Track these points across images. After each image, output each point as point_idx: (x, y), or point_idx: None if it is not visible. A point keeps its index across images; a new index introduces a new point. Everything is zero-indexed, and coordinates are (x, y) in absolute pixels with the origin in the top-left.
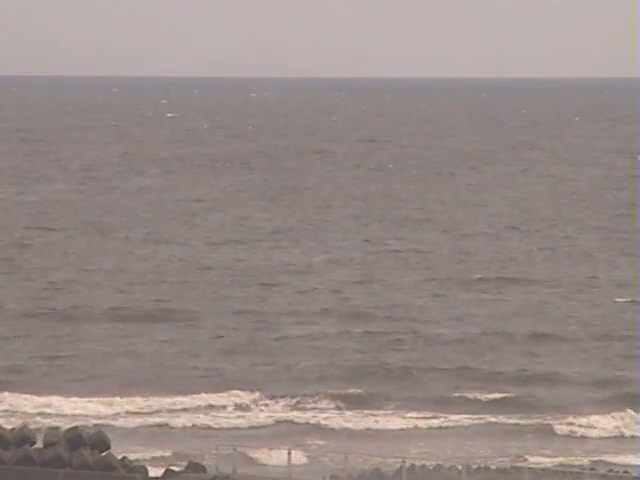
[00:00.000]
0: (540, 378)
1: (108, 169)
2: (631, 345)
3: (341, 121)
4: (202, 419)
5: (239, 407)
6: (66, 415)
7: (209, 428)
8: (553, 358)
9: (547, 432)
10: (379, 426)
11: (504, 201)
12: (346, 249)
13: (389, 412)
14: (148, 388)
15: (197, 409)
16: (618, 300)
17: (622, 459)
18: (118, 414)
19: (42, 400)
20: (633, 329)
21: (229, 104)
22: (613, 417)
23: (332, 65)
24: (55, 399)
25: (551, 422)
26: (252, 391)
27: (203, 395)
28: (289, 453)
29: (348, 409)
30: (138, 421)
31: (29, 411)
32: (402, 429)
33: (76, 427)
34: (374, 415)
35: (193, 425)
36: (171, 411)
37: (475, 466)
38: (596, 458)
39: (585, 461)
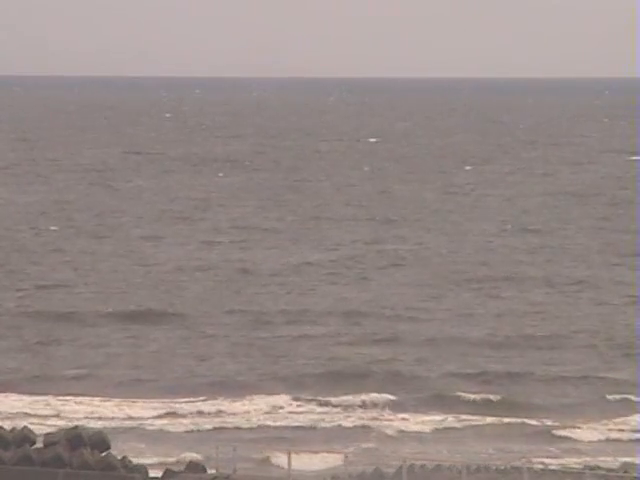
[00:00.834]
0: (540, 379)
1: (106, 169)
2: (630, 345)
3: (341, 121)
4: (205, 421)
5: (241, 408)
6: (67, 417)
7: (214, 430)
8: (554, 359)
9: (546, 433)
10: (379, 426)
11: (504, 201)
12: (344, 249)
13: (389, 412)
14: (151, 389)
15: (199, 411)
16: (619, 300)
17: (621, 460)
18: (122, 416)
19: (42, 401)
20: (632, 330)
21: (229, 104)
22: (613, 419)
23: (332, 65)
24: (57, 400)
25: (550, 424)
26: (254, 393)
27: (205, 396)
28: (289, 454)
29: (349, 409)
30: (145, 422)
31: (38, 413)
32: (403, 429)
33: (76, 427)
34: (374, 414)
35: (197, 429)
36: (172, 414)
37: (475, 466)
38: (595, 459)
39: (585, 462)
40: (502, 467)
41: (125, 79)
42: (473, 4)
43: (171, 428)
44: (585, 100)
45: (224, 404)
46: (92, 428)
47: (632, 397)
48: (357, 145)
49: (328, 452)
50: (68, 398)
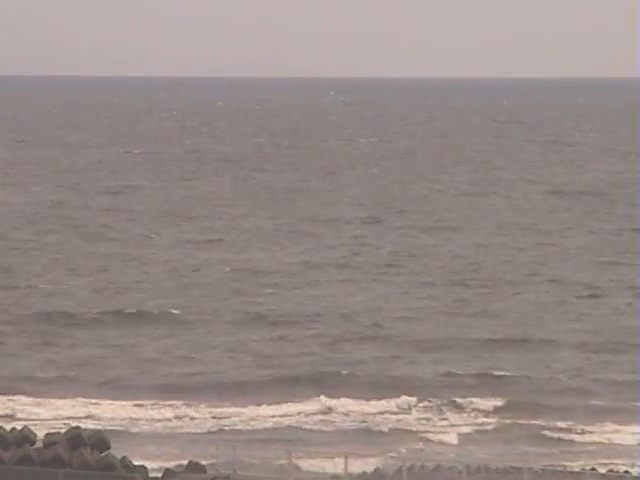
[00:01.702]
0: (540, 381)
1: (105, 169)
2: (632, 348)
3: (340, 121)
4: (205, 421)
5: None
6: (67, 417)
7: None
8: (554, 362)
9: (545, 435)
10: (380, 427)
11: (503, 202)
12: (343, 250)
13: (389, 412)
14: (150, 390)
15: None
16: (619, 302)
17: (620, 461)
18: (121, 416)
19: (42, 401)
20: (633, 333)
21: (229, 104)
22: (613, 423)
23: (332, 65)
24: (57, 401)
25: (552, 424)
26: (254, 393)
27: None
28: (289, 454)
29: (349, 410)
30: (145, 423)
31: (44, 416)
32: (402, 431)
33: (76, 427)
34: (374, 415)
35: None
36: (172, 414)
37: (475, 466)
38: (595, 460)
39: (584, 462)
40: (502, 467)
41: (125, 79)
42: (473, 4)
43: (171, 428)
44: (585, 100)
45: (224, 404)
46: (92, 428)
47: (632, 402)
48: (356, 145)
49: (328, 452)
50: (68, 398)
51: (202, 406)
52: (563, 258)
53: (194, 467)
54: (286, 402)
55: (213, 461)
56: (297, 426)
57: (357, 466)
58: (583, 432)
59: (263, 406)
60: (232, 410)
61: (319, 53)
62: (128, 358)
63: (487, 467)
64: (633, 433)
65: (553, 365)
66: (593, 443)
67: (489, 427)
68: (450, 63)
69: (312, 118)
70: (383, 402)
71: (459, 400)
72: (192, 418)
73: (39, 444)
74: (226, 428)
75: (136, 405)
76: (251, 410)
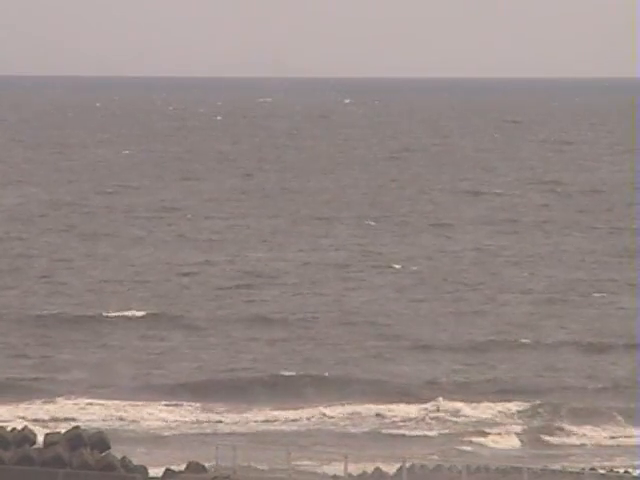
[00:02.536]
0: (540, 384)
1: (104, 169)
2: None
3: (340, 120)
4: (205, 421)
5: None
6: (67, 418)
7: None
8: (554, 362)
9: (545, 435)
10: (380, 429)
11: (504, 201)
12: (343, 250)
13: (389, 413)
14: (150, 390)
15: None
16: (619, 302)
17: (620, 461)
18: (121, 416)
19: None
20: (633, 335)
21: (229, 104)
22: (613, 423)
23: (332, 65)
24: (57, 401)
25: (549, 426)
26: (254, 393)
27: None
28: (289, 454)
29: (350, 411)
30: (145, 423)
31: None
32: (403, 432)
33: (76, 427)
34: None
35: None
36: (172, 414)
37: (475, 466)
38: (595, 461)
39: (584, 462)
40: (502, 467)
41: (125, 79)
42: (473, 4)
43: (171, 429)
44: (585, 100)
45: (224, 404)
46: (92, 428)
47: (632, 404)
48: (356, 145)
49: (328, 452)
50: (68, 398)
51: (202, 406)
52: (563, 259)
53: (194, 467)
54: (286, 402)
55: (213, 462)
56: (297, 426)
57: (357, 466)
58: (583, 432)
59: (263, 406)
60: (232, 410)
61: (319, 53)
62: (127, 358)
63: (487, 467)
64: (633, 433)
65: (554, 365)
66: (593, 443)
67: (490, 426)
68: (450, 63)
69: (312, 118)
70: (384, 402)
71: (459, 402)
72: (192, 419)
73: (39, 444)
74: (226, 428)
75: (136, 405)
76: (251, 410)
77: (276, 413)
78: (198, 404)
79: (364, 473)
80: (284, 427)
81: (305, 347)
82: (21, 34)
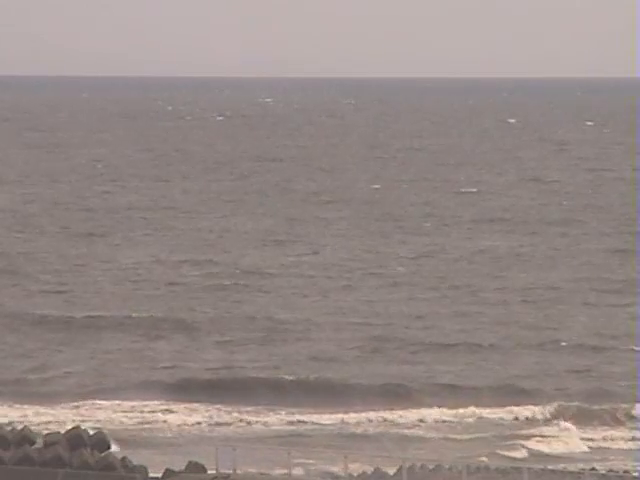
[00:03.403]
0: (540, 385)
1: (103, 169)
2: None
3: (340, 120)
4: (205, 421)
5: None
6: (67, 418)
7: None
8: (555, 363)
9: (545, 435)
10: (380, 429)
11: (504, 201)
12: (343, 250)
13: (389, 413)
14: (150, 391)
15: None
16: (618, 302)
17: (620, 461)
18: (121, 416)
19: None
20: (633, 337)
21: (229, 104)
22: (613, 423)
23: (333, 65)
24: (56, 402)
25: (549, 426)
26: (254, 393)
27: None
28: (289, 454)
29: (350, 412)
30: (145, 423)
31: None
32: (403, 432)
33: (76, 427)
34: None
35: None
36: (172, 414)
37: (475, 466)
38: (595, 461)
39: (584, 462)
40: (502, 467)
41: (125, 79)
42: (473, 4)
43: (171, 429)
44: (585, 100)
45: (224, 404)
46: (92, 428)
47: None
48: (356, 145)
49: (328, 452)
50: (68, 399)
51: (202, 407)
52: (563, 259)
53: (194, 467)
54: (286, 402)
55: (213, 461)
56: (297, 427)
57: (357, 466)
58: (583, 432)
59: (263, 407)
60: (232, 411)
61: (319, 53)
62: (127, 359)
63: (487, 467)
64: (632, 433)
65: (554, 366)
66: (593, 443)
67: (490, 427)
68: (450, 63)
69: (312, 118)
70: (384, 402)
71: (459, 402)
72: (192, 420)
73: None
74: (226, 429)
75: (135, 405)
76: (251, 411)
77: (276, 413)
78: (198, 404)
79: (364, 473)
80: (284, 427)
81: (305, 347)
82: (21, 34)
